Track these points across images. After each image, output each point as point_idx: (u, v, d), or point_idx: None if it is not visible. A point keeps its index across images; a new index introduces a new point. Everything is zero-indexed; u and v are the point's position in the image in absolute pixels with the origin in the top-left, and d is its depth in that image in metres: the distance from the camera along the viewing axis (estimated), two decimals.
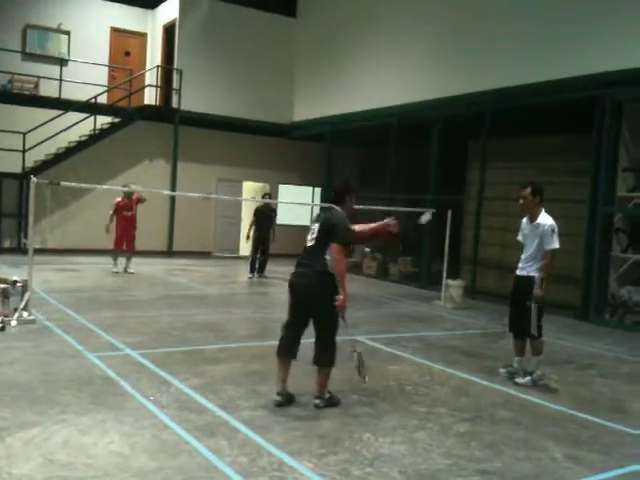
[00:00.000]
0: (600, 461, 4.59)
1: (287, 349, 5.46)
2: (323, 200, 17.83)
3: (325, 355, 5.39)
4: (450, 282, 11.84)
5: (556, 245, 6.56)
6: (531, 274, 6.62)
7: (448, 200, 13.42)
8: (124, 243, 13.36)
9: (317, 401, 5.41)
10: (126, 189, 12.85)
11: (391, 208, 14.78)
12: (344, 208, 5.58)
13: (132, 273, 13.13)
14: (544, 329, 6.74)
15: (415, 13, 14.75)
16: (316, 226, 5.46)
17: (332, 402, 5.47)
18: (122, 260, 13.41)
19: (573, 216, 11.62)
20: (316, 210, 19.48)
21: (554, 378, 6.89)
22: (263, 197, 14.98)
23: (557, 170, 12.18)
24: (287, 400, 5.40)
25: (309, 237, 5.48)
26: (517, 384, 6.53)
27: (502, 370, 6.96)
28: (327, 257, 5.28)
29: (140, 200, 13.43)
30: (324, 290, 5.26)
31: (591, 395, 6.38)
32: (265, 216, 14.16)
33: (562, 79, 11.07)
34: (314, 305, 5.36)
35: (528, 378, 6.58)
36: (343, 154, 18.80)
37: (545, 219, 6.68)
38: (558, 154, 12.30)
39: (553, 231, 6.58)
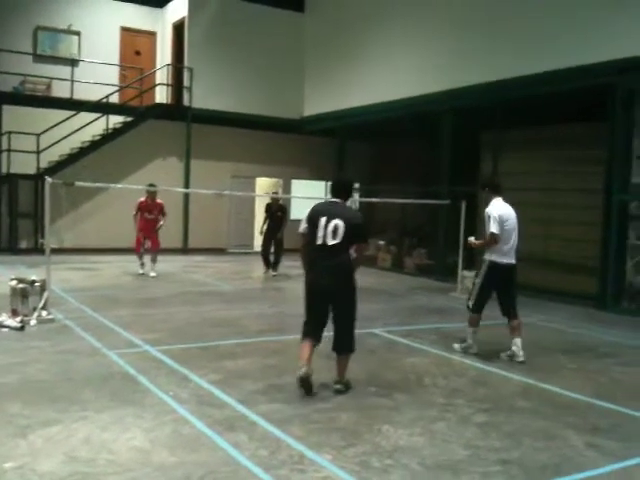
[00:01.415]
0: (620, 449, 4.57)
1: (314, 335, 5.60)
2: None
3: (350, 342, 5.63)
4: (466, 273, 11.81)
5: (491, 229, 7.01)
6: (484, 257, 7.22)
7: (462, 191, 13.36)
8: (145, 244, 12.86)
9: (338, 386, 5.56)
10: (152, 189, 12.34)
11: (405, 200, 14.77)
12: (345, 202, 5.76)
13: (153, 277, 12.61)
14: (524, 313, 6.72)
15: (423, 5, 14.67)
16: (336, 223, 5.42)
17: (349, 386, 5.65)
18: (147, 261, 12.91)
19: (588, 205, 11.57)
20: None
21: (573, 367, 6.88)
22: (272, 194, 14.91)
23: (571, 159, 12.10)
24: (309, 379, 5.38)
25: (328, 232, 5.42)
26: (454, 347, 7.36)
27: (502, 355, 7.21)
28: (350, 253, 5.54)
29: (162, 210, 12.84)
30: (351, 285, 5.57)
31: (610, 383, 6.35)
32: (273, 215, 14.07)
33: (574, 67, 10.96)
34: (342, 299, 5.56)
35: (460, 345, 7.38)
36: (355, 148, 18.78)
37: (489, 207, 7.19)
38: (571, 143, 12.21)
39: (488, 217, 7.08)
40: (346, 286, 5.54)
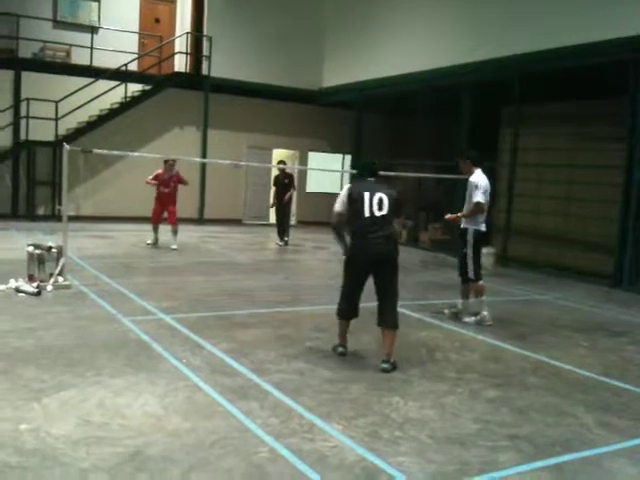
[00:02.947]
0: (631, 427, 4.57)
1: (352, 313, 5.79)
2: (353, 167, 17.75)
3: (397, 317, 5.67)
4: (482, 250, 11.72)
5: (479, 199, 7.38)
6: (465, 226, 7.55)
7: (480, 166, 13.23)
8: (161, 217, 12.73)
9: (386, 365, 5.49)
10: (169, 162, 12.32)
11: (422, 175, 14.68)
12: None
13: (174, 249, 12.30)
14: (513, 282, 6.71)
15: None
16: (380, 196, 5.57)
17: (396, 366, 5.56)
18: (162, 234, 12.79)
19: (607, 183, 11.44)
20: (345, 177, 19.44)
21: (585, 345, 6.87)
22: (278, 164, 14.94)
23: (591, 136, 11.94)
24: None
25: (374, 205, 5.54)
26: (465, 322, 7.46)
27: (446, 311, 7.86)
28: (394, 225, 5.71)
29: (180, 180, 12.72)
30: (398, 255, 5.66)
31: (623, 362, 6.33)
32: (281, 184, 14.20)
33: (596, 42, 10.76)
34: (393, 270, 5.63)
35: (473, 318, 7.49)
36: (372, 121, 18.63)
37: (473, 177, 7.55)
38: (592, 119, 12.04)
39: (476, 187, 7.43)
40: (397, 256, 5.64)
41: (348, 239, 5.75)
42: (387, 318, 5.60)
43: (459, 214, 7.68)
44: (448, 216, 7.87)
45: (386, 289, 5.63)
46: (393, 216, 5.65)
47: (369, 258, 5.59)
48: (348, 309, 5.78)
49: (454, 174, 13.44)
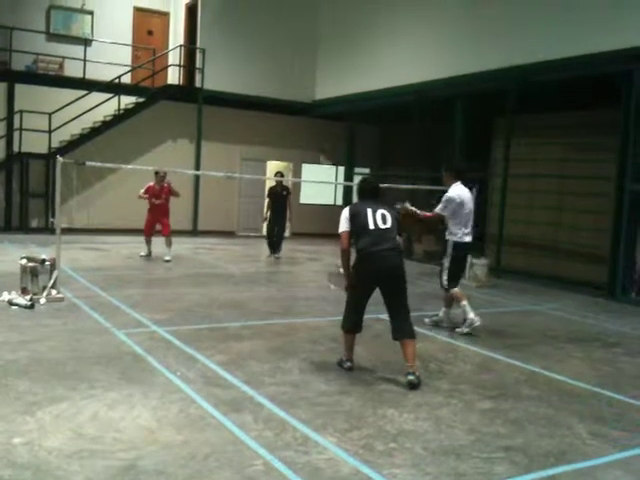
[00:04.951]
0: (625, 438, 4.58)
1: (358, 327, 5.76)
2: (347, 179, 17.80)
3: (412, 326, 5.65)
4: (475, 261, 11.75)
5: (437, 210, 7.65)
6: (447, 237, 7.68)
7: (472, 177, 13.28)
8: (154, 229, 12.70)
9: (413, 377, 5.42)
10: (160, 172, 12.32)
11: (414, 186, 14.72)
12: None
13: (168, 261, 12.24)
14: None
15: None
16: (383, 212, 5.60)
17: (420, 379, 5.50)
18: (155, 245, 12.73)
19: (599, 193, 11.50)
20: (339, 189, 19.49)
21: (579, 355, 6.88)
22: (275, 175, 14.91)
23: (583, 146, 12.02)
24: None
25: (377, 219, 5.54)
26: (457, 333, 7.50)
27: (427, 320, 7.91)
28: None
29: (172, 192, 12.68)
30: (404, 268, 5.64)
31: (616, 373, 6.35)
32: (278, 196, 14.08)
33: (590, 54, 10.86)
34: (404, 283, 5.62)
35: (464, 328, 7.51)
36: (365, 132, 18.71)
37: (449, 190, 7.67)
38: (585, 130, 12.12)
39: (443, 200, 7.59)
40: (403, 267, 5.63)
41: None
42: (405, 329, 5.58)
43: (418, 211, 7.77)
44: (407, 204, 7.81)
45: (399, 303, 5.61)
46: (396, 229, 5.63)
47: (378, 273, 5.55)
48: (355, 323, 5.75)
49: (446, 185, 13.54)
